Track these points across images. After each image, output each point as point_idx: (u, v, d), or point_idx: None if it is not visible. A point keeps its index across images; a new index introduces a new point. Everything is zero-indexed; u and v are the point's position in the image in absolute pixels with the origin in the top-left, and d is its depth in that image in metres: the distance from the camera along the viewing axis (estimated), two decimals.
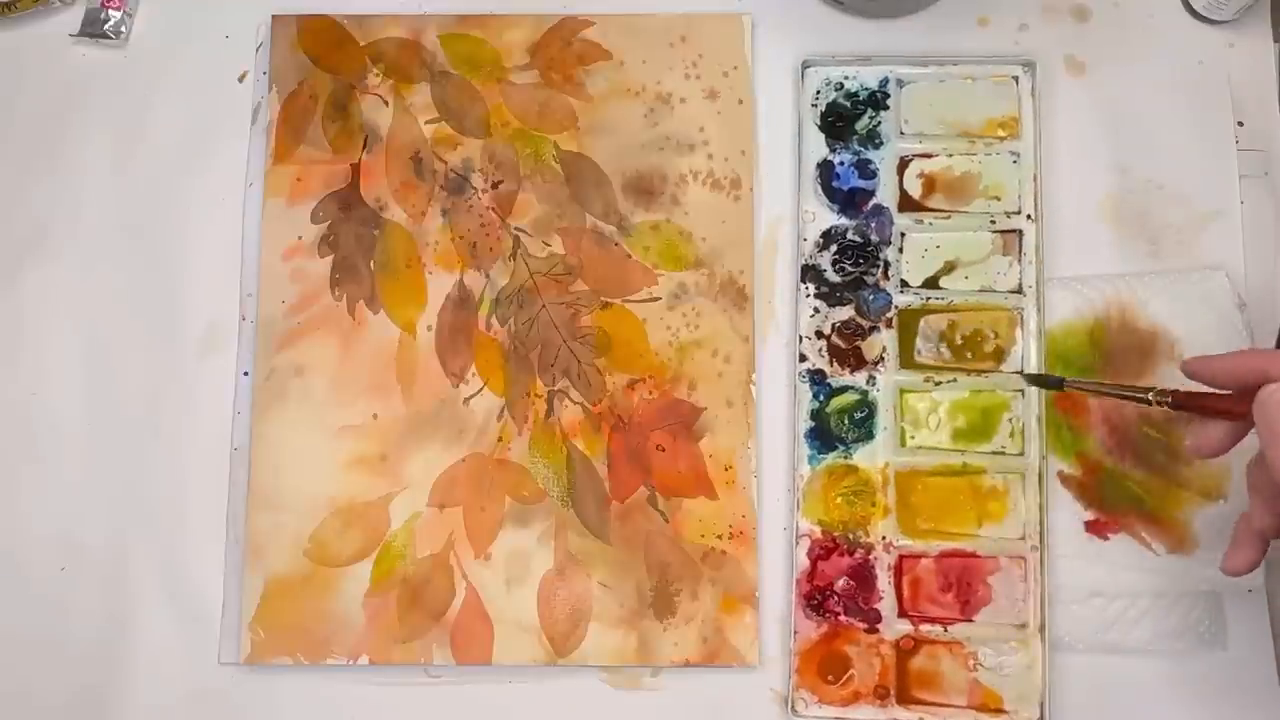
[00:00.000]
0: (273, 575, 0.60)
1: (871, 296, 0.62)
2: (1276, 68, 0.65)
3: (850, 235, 0.63)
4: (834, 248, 0.63)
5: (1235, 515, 0.57)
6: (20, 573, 0.62)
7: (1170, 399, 0.51)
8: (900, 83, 0.64)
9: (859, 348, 0.62)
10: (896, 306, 0.62)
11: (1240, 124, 0.64)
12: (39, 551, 0.63)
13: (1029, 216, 0.62)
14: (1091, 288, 0.61)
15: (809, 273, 0.63)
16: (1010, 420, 0.60)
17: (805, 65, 0.64)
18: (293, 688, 0.61)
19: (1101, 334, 0.61)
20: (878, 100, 0.64)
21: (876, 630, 0.59)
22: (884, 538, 0.60)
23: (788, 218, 0.64)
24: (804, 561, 0.60)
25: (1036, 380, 0.60)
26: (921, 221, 0.63)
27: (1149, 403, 0.52)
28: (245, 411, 0.63)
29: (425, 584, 0.60)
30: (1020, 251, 0.62)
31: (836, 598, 0.59)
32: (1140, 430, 0.60)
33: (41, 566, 0.62)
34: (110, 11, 0.67)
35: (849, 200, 0.63)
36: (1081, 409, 0.60)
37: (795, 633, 0.59)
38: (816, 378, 0.62)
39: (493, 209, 0.64)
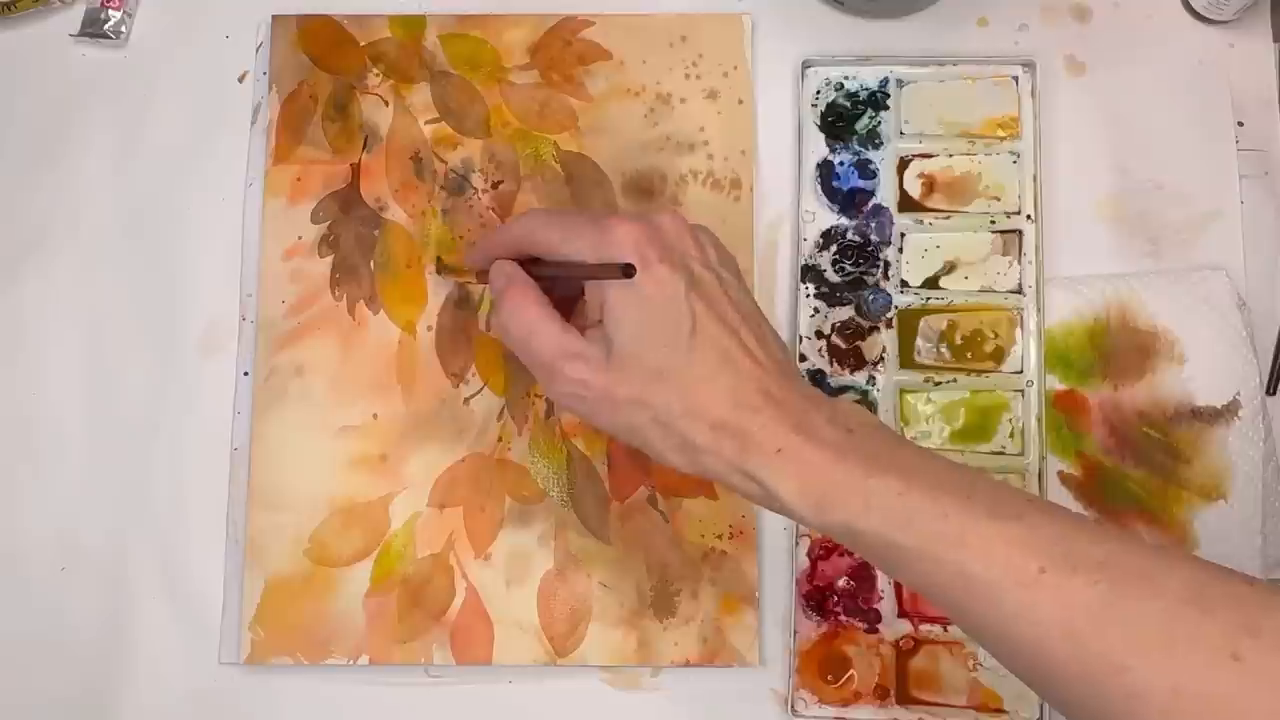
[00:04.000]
0: (273, 575, 0.60)
1: (871, 297, 0.62)
2: (1276, 68, 0.64)
3: (850, 235, 0.63)
4: (834, 248, 0.62)
5: (1235, 515, 0.58)
6: (20, 573, 0.62)
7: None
8: (900, 83, 0.64)
9: (859, 348, 0.62)
10: (896, 307, 0.62)
11: (1240, 124, 0.63)
12: (39, 551, 0.62)
13: (1029, 217, 0.62)
14: (1091, 288, 0.61)
15: (809, 273, 0.62)
16: (1010, 420, 0.60)
17: (805, 65, 0.64)
18: (293, 688, 0.60)
19: (1101, 334, 0.61)
20: (878, 100, 0.64)
21: (876, 630, 0.59)
22: None
23: (788, 218, 0.64)
24: (804, 561, 0.60)
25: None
26: (921, 222, 0.62)
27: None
28: (245, 411, 0.62)
29: (425, 584, 0.60)
30: (1020, 251, 0.62)
31: (836, 598, 0.59)
32: (1140, 430, 0.60)
33: (41, 566, 0.62)
34: (110, 11, 0.67)
35: (849, 200, 0.63)
36: (1081, 409, 0.60)
37: (795, 633, 0.59)
38: (816, 378, 0.61)
39: (493, 209, 0.64)
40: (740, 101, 0.64)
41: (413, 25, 0.65)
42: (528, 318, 0.48)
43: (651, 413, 0.45)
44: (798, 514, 0.44)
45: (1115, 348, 0.60)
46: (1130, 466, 0.59)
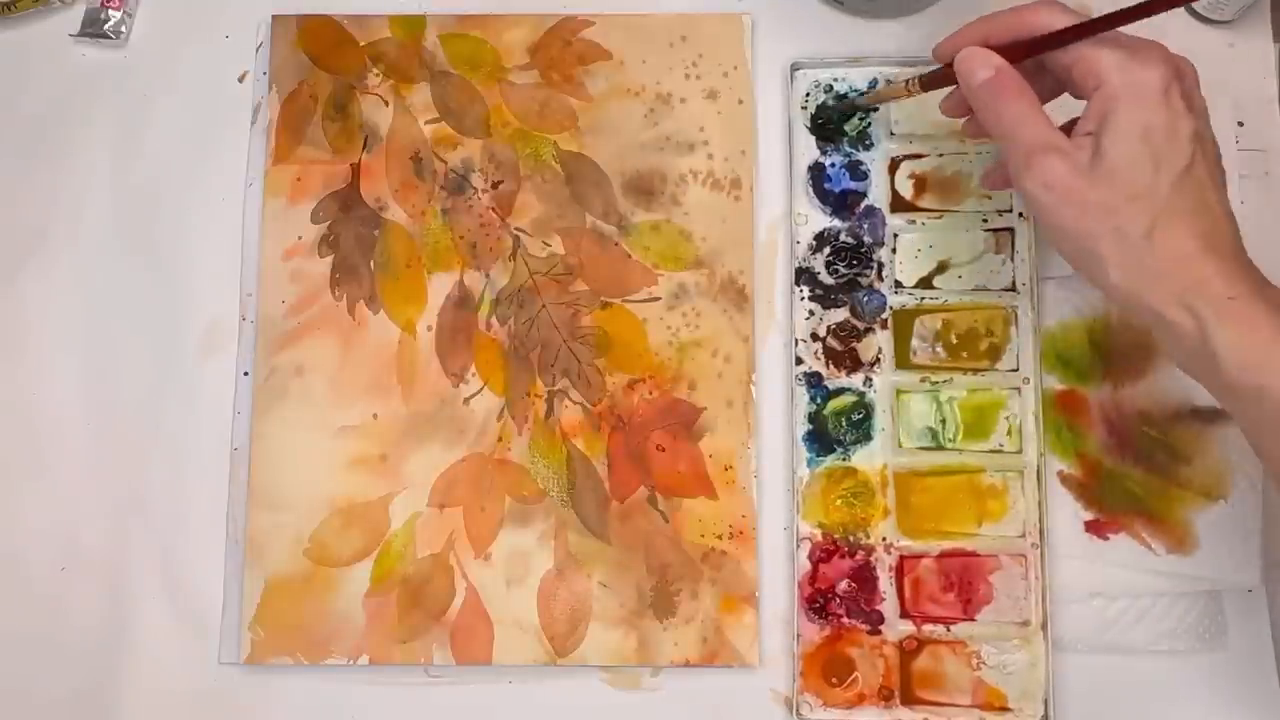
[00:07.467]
0: (273, 575, 0.58)
1: (866, 298, 0.59)
2: (1276, 68, 0.62)
3: (843, 237, 0.60)
4: (827, 250, 0.60)
5: (1235, 515, 0.56)
6: (20, 573, 0.60)
7: (919, 81, 0.53)
8: (889, 83, 0.60)
9: (854, 349, 0.59)
10: (891, 307, 0.59)
11: (1240, 124, 0.61)
12: (39, 551, 0.60)
13: (1020, 214, 0.59)
14: (1092, 287, 0.58)
15: (803, 275, 0.60)
16: (1007, 418, 0.58)
17: (794, 68, 0.61)
18: (293, 688, 0.58)
19: (1101, 333, 0.58)
20: None
21: (879, 632, 0.56)
22: (884, 539, 0.57)
23: (782, 220, 0.61)
24: (805, 565, 0.57)
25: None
26: (914, 222, 0.60)
27: (908, 93, 0.54)
28: (245, 411, 0.60)
29: (425, 584, 0.57)
30: (1013, 249, 0.59)
31: (838, 600, 0.57)
32: (1140, 430, 0.57)
33: (41, 566, 0.60)
34: (110, 11, 0.64)
35: (841, 202, 0.60)
36: (1081, 409, 0.58)
37: (798, 636, 0.56)
38: (813, 380, 0.59)
39: (493, 209, 0.61)
40: (740, 101, 0.61)
41: (413, 25, 0.63)
42: (1019, 107, 0.47)
43: (1117, 223, 0.45)
44: (1220, 361, 0.44)
45: (1115, 348, 0.58)
46: (1130, 466, 0.57)
